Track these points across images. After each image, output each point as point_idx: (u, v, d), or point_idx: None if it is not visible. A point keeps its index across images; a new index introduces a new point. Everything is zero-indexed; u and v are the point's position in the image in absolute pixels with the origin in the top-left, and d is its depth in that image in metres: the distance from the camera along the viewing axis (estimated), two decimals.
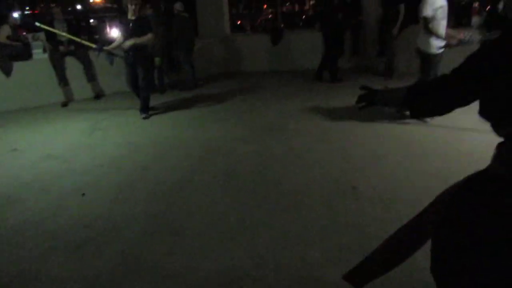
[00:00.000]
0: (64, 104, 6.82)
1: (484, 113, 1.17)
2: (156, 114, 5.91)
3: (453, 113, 1.24)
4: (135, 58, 5.39)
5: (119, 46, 5.51)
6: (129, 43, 5.26)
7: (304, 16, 18.93)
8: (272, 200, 3.09)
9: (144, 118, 5.64)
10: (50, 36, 6.68)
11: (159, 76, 7.29)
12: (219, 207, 3.04)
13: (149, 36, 5.32)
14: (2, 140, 5.12)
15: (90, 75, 7.07)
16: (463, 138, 4.16)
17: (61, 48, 6.63)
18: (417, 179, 3.29)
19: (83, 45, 6.43)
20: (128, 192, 3.40)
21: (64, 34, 6.23)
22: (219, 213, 2.95)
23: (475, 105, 1.18)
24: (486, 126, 1.18)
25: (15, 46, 6.69)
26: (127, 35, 5.33)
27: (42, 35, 7.28)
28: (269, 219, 2.81)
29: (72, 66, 6.90)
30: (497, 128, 1.15)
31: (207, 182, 3.52)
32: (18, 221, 3.00)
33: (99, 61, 7.02)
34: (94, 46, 5.88)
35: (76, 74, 6.93)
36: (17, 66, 6.65)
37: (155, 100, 6.44)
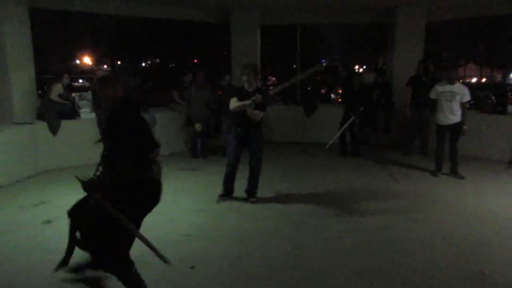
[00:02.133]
0: None
1: None
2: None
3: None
4: (248, 134, 4.64)
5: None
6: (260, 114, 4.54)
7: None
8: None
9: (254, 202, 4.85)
10: (96, 97, 6.74)
11: (202, 141, 7.33)
12: None
13: (264, 112, 4.63)
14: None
15: None
16: None
17: None
18: None
19: None
20: None
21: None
22: None
23: None
24: None
25: (65, 104, 6.66)
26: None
27: (88, 94, 7.33)
28: None
29: None
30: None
31: None
32: None
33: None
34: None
35: None
36: (65, 124, 6.56)
37: (199, 164, 6.43)
